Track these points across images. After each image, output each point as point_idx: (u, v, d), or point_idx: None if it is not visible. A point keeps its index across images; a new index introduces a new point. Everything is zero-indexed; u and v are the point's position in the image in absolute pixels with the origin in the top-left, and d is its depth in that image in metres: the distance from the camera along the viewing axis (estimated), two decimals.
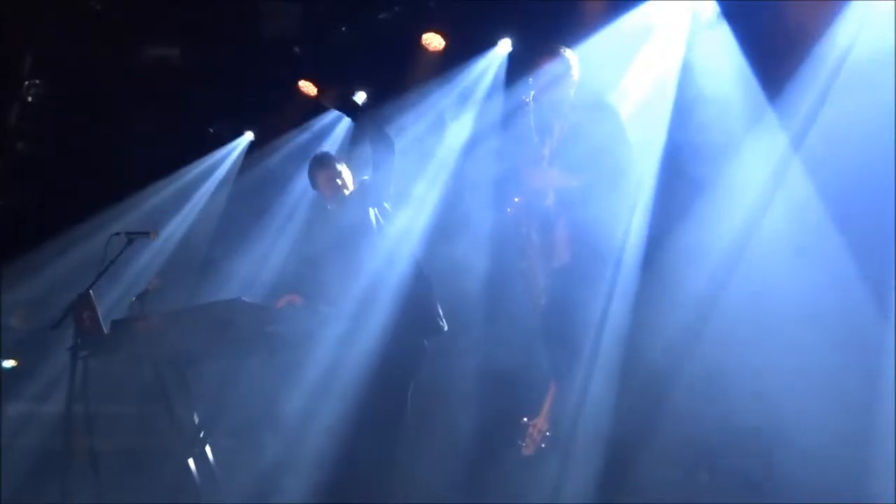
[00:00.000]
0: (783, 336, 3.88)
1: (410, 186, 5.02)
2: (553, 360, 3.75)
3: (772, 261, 4.02)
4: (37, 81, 6.33)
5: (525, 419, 3.70)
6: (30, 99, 6.28)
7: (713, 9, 4.58)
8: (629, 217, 3.77)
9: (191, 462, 4.24)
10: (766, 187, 4.17)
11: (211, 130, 6.83)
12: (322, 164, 4.29)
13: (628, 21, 4.82)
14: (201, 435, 4.35)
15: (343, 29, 6.04)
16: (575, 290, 3.60)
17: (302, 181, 6.34)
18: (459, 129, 5.60)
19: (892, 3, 3.82)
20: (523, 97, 3.91)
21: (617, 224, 3.65)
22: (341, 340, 3.90)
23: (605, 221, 3.60)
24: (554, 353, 3.74)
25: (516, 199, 3.94)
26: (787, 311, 3.90)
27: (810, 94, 4.06)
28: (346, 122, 6.38)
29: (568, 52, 3.91)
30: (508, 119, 5.13)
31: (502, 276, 4.80)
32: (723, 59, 4.49)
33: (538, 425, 3.64)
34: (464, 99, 5.70)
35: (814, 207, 3.99)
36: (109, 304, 5.00)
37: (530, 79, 3.93)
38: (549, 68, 3.85)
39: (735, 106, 4.36)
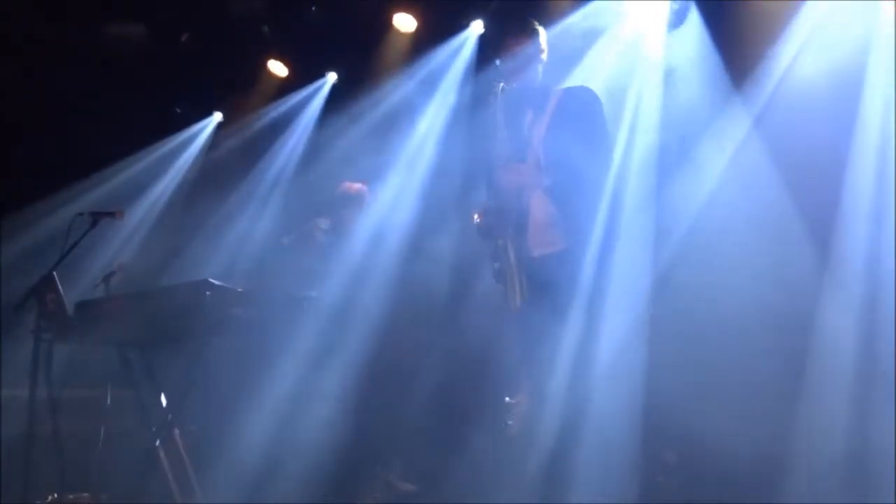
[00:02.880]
0: (735, 313, 3.99)
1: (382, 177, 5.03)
2: (531, 349, 3.61)
3: (728, 234, 4.12)
4: None
5: (508, 398, 3.56)
6: None
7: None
8: (605, 202, 3.67)
9: (158, 446, 4.20)
10: (726, 169, 4.28)
11: (178, 111, 6.73)
12: None
13: (599, 4, 4.84)
14: (168, 418, 4.30)
15: (313, 8, 5.97)
16: (559, 279, 3.40)
17: (274, 163, 6.35)
18: (430, 115, 5.57)
19: None
20: (493, 88, 3.56)
21: (598, 211, 3.47)
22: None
23: (589, 210, 3.45)
24: (532, 340, 3.53)
25: (485, 204, 3.60)
26: (740, 286, 4.02)
27: (772, 80, 4.19)
28: (318, 102, 6.34)
29: (538, 29, 3.66)
30: (478, 106, 5.08)
31: (471, 274, 4.74)
32: (692, 47, 4.55)
33: (521, 402, 3.52)
34: (435, 82, 5.67)
35: (769, 182, 4.12)
36: (74, 285, 4.90)
37: (498, 62, 3.64)
38: (519, 50, 3.58)
39: (703, 92, 4.44)
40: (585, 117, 3.49)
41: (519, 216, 3.51)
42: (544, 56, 3.67)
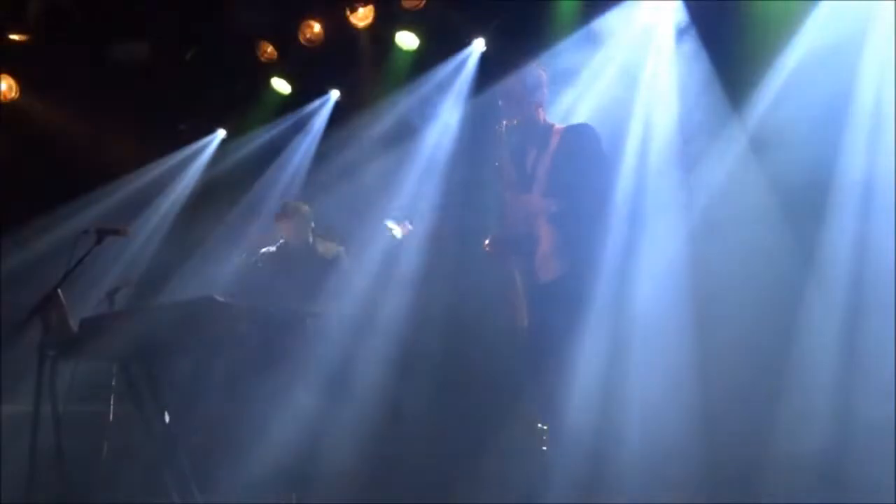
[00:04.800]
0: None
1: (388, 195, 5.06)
2: (538, 375, 3.63)
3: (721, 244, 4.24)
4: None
5: (540, 424, 3.56)
6: None
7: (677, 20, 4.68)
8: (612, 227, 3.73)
9: (161, 461, 4.20)
10: (723, 190, 4.37)
11: (182, 127, 6.76)
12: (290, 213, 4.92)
13: (598, 25, 4.89)
14: (172, 434, 4.31)
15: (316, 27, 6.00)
16: (563, 307, 3.51)
17: (278, 179, 6.38)
18: (433, 134, 5.62)
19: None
20: (497, 127, 3.69)
21: (603, 240, 3.62)
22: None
23: (591, 238, 3.59)
24: (539, 369, 3.62)
25: (493, 235, 3.71)
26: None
27: (768, 98, 4.31)
28: (321, 119, 6.38)
29: (538, 70, 3.81)
30: (480, 127, 5.16)
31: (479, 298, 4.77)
32: (690, 66, 4.61)
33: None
34: (437, 100, 5.70)
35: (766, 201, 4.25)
36: (78, 301, 4.92)
37: (500, 101, 3.79)
38: (520, 87, 3.73)
39: (700, 112, 4.53)
40: (587, 154, 3.67)
41: (527, 243, 3.65)
42: (544, 96, 3.81)
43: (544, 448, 3.52)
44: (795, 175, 4.13)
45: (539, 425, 3.57)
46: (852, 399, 3.74)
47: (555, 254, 3.60)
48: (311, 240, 5.06)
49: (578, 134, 3.73)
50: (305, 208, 5.13)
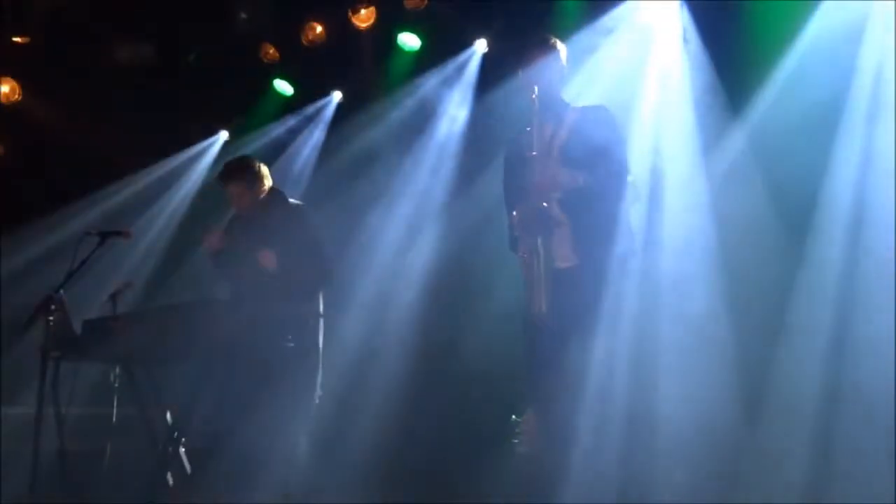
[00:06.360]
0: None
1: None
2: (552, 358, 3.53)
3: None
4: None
5: (514, 417, 3.55)
6: None
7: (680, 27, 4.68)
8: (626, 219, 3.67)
9: (164, 463, 4.20)
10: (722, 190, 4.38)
11: (184, 128, 6.77)
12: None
13: (600, 25, 4.89)
14: (174, 436, 4.31)
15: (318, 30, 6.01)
16: (581, 293, 3.46)
17: (280, 180, 6.37)
18: (437, 134, 5.62)
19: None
20: (531, 95, 3.57)
21: (618, 226, 3.56)
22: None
23: (603, 226, 3.53)
24: (558, 354, 3.51)
25: (520, 209, 3.60)
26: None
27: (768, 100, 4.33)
28: (324, 120, 6.38)
29: (558, 43, 3.72)
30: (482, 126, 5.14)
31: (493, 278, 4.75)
32: (691, 68, 4.62)
33: (531, 421, 3.46)
34: (439, 100, 5.71)
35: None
36: (81, 303, 4.93)
37: (520, 72, 3.70)
38: (540, 61, 3.63)
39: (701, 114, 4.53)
40: (601, 137, 3.56)
41: (546, 223, 3.55)
42: (565, 71, 3.76)
43: (515, 441, 3.48)
44: (793, 176, 4.13)
45: (513, 417, 3.51)
46: (848, 400, 3.73)
47: (568, 241, 3.53)
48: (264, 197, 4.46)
49: (592, 117, 3.64)
50: (253, 162, 4.54)
